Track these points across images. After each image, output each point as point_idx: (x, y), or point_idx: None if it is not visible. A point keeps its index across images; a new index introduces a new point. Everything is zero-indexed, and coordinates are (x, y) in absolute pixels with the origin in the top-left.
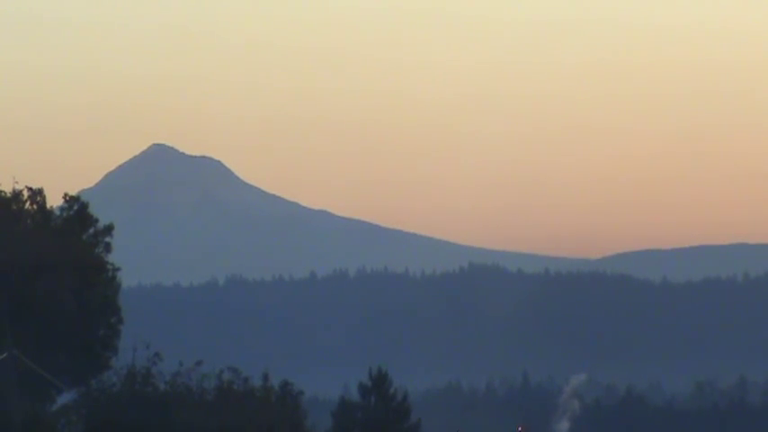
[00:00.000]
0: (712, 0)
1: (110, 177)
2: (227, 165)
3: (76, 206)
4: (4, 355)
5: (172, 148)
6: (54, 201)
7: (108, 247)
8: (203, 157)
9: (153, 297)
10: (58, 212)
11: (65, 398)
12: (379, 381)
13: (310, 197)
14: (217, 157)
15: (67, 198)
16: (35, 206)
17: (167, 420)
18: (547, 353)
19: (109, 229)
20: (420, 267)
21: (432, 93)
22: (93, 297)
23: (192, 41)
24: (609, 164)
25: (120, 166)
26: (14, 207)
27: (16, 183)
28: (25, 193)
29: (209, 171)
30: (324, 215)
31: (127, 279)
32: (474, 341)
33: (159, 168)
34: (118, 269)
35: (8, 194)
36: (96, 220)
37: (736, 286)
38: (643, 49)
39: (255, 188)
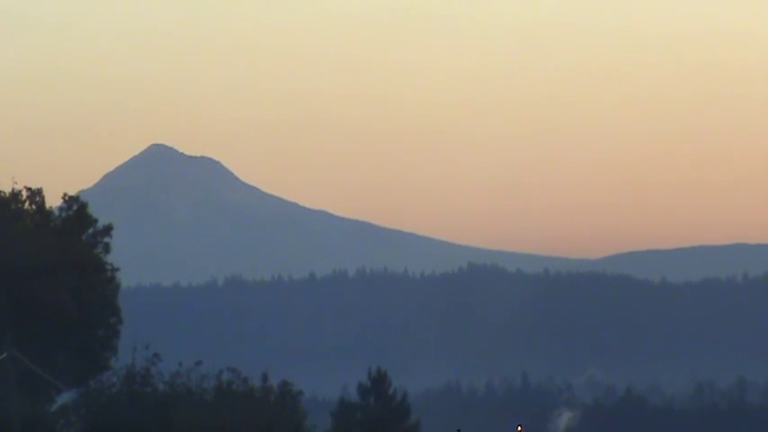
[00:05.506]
0: (712, 2)
1: (109, 178)
2: (227, 165)
3: (75, 206)
4: (4, 355)
5: (171, 148)
6: (53, 201)
7: (107, 248)
8: (202, 157)
9: (152, 297)
10: (57, 213)
11: (64, 398)
12: (379, 381)
13: (310, 197)
14: (216, 158)
15: (66, 198)
16: (34, 206)
17: (167, 420)
18: (546, 353)
19: (108, 230)
20: (419, 267)
21: (431, 94)
22: (92, 297)
23: (191, 42)
24: (608, 165)
25: (119, 166)
26: (13, 207)
27: (15, 183)
28: (24, 194)
29: (208, 171)
30: (323, 215)
31: (126, 279)
32: (473, 341)
33: (158, 169)
34: (117, 269)
35: (7, 194)
36: (95, 221)
37: (735, 286)
38: (643, 52)
39: (255, 188)
